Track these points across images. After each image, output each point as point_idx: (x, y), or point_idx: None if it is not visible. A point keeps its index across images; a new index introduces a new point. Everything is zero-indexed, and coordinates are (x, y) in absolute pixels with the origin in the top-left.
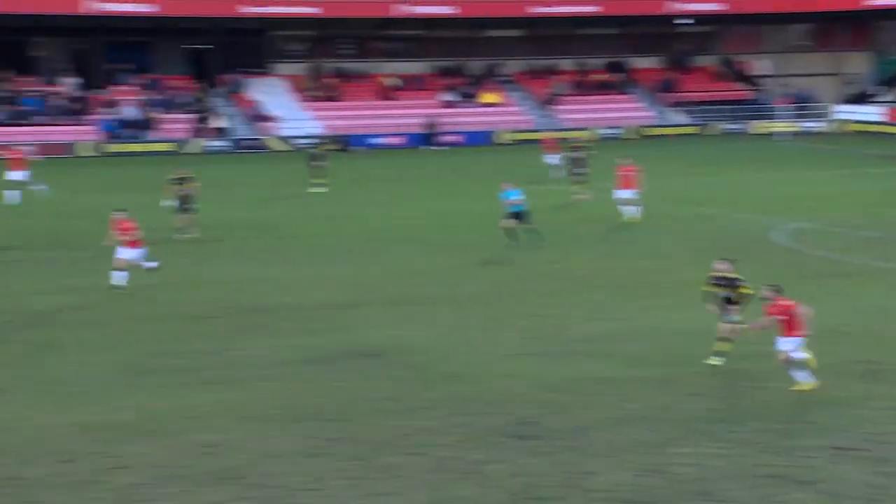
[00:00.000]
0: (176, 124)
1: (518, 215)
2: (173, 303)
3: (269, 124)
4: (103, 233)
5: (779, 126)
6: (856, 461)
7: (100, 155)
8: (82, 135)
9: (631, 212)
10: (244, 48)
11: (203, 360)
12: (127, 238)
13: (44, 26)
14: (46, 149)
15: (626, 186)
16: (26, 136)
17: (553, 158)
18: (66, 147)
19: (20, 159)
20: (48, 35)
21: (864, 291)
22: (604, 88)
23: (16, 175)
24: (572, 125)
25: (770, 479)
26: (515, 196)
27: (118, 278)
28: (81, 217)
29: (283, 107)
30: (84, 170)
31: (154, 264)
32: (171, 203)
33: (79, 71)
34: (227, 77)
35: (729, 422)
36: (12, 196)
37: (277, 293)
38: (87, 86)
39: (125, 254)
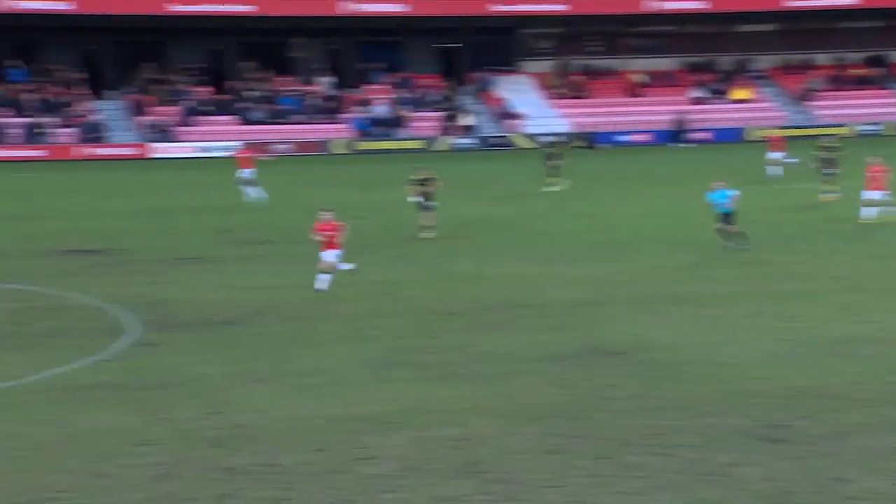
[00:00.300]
0: (425, 122)
1: (726, 217)
2: (416, 298)
3: (515, 122)
4: (353, 229)
5: None
6: None
7: (352, 152)
8: (336, 133)
9: (870, 214)
10: (493, 46)
11: (446, 356)
12: (327, 239)
13: (302, 27)
14: (302, 146)
15: (875, 187)
16: (283, 134)
17: (777, 156)
18: (321, 145)
19: (248, 158)
20: (306, 36)
21: None
22: (862, 83)
23: (246, 173)
24: (828, 121)
25: None
26: (723, 197)
27: (319, 282)
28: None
29: (529, 104)
30: (336, 167)
31: (351, 266)
32: (417, 199)
33: (333, 70)
34: (476, 75)
35: None
36: (254, 194)
37: (519, 290)
38: (341, 85)
39: (326, 256)
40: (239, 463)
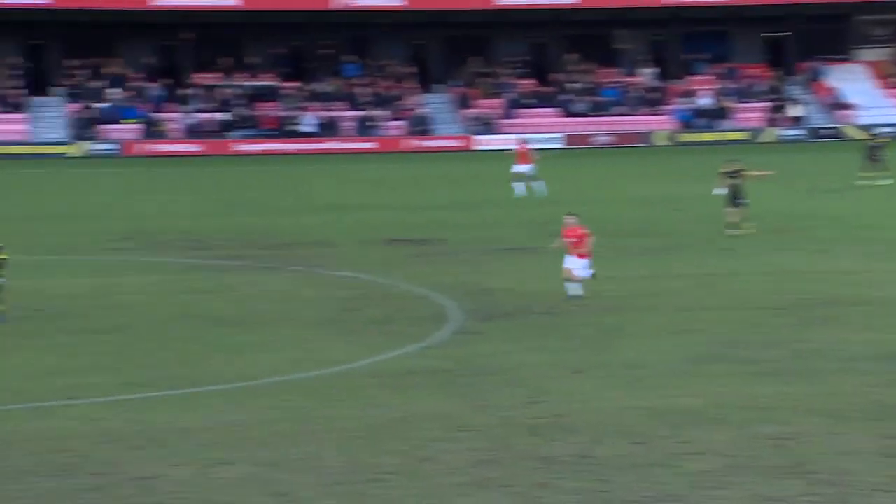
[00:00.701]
0: (750, 113)
1: None
2: (740, 292)
3: (847, 112)
4: (674, 222)
5: None
6: None
7: (673, 144)
8: (657, 124)
9: None
10: (823, 34)
11: (771, 352)
12: (574, 246)
13: (626, 18)
14: (623, 138)
15: None
16: (605, 125)
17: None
18: (642, 136)
19: (525, 152)
20: (630, 27)
21: None
22: None
23: (521, 168)
24: None
25: None
26: None
27: (572, 289)
28: (653, 205)
29: (863, 94)
30: (657, 157)
31: (589, 273)
32: (722, 191)
33: (656, 61)
34: (805, 64)
35: None
36: (520, 189)
37: (848, 286)
38: (664, 76)
39: (570, 263)
40: (557, 452)
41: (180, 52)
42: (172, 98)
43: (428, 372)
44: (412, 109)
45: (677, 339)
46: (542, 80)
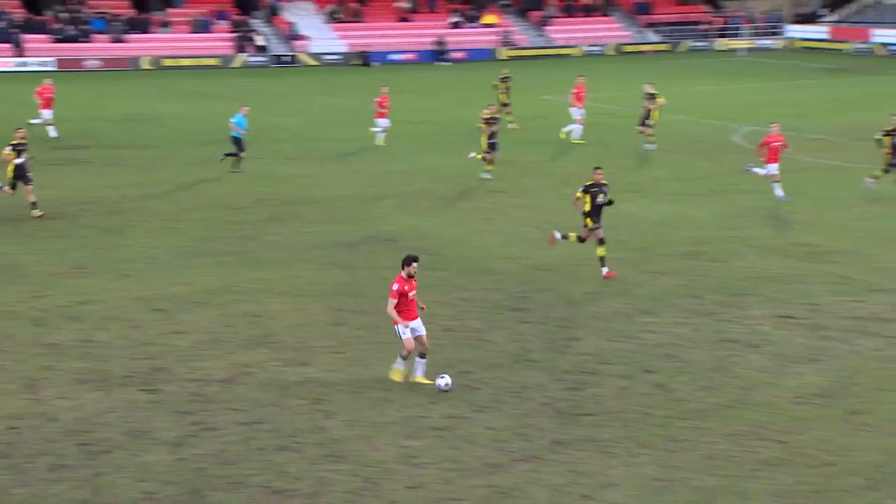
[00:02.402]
0: (221, 42)
1: (235, 140)
2: (218, 195)
3: (301, 42)
4: (157, 137)
5: (738, 43)
6: (798, 327)
7: (157, 68)
8: (144, 51)
9: (573, 128)
10: None
11: (245, 244)
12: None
13: None
14: (110, 62)
15: (577, 103)
16: (92, 51)
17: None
18: (131, 61)
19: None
20: None
21: (809, 184)
22: (588, 11)
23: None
24: (562, 42)
25: (726, 343)
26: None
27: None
28: (139, 122)
29: (313, 27)
30: (143, 80)
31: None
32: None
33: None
34: (265, 0)
35: (692, 296)
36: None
37: (305, 188)
38: (145, 8)
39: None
40: (62, 339)
41: None
42: None
43: None
44: None
45: (167, 236)
46: (34, 9)
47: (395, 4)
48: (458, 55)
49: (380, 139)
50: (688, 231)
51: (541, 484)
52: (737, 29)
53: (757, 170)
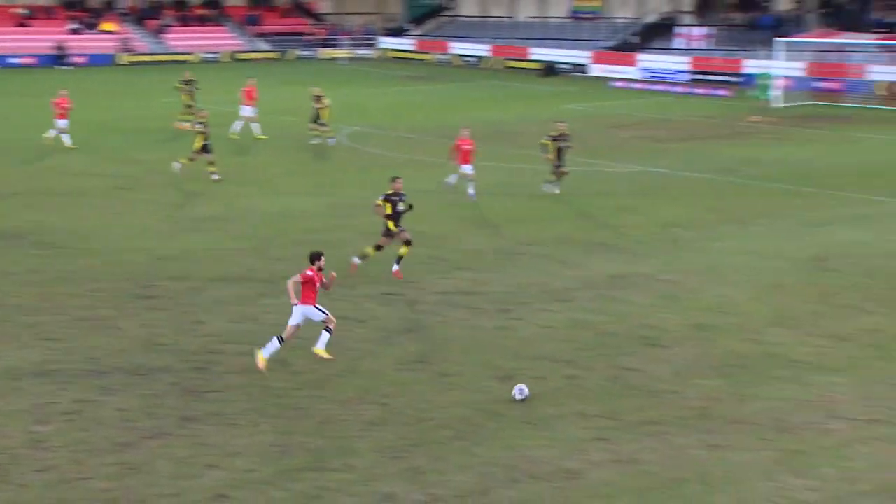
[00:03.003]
0: None
1: None
2: None
3: None
4: None
5: (339, 53)
6: (398, 303)
7: None
8: None
9: (238, 128)
10: None
11: None
12: None
13: None
14: None
15: (249, 103)
16: None
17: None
18: None
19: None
20: None
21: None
22: (203, 21)
23: None
24: (180, 49)
25: (337, 319)
26: None
27: None
28: None
29: None
30: None
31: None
32: None
33: None
34: None
35: None
36: None
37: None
38: None
39: None
40: None
41: None
42: None
43: None
44: None
45: None
46: None
47: (12, 11)
48: (80, 60)
49: (66, 141)
50: (302, 222)
51: (169, 458)
52: (337, 40)
53: (450, 179)
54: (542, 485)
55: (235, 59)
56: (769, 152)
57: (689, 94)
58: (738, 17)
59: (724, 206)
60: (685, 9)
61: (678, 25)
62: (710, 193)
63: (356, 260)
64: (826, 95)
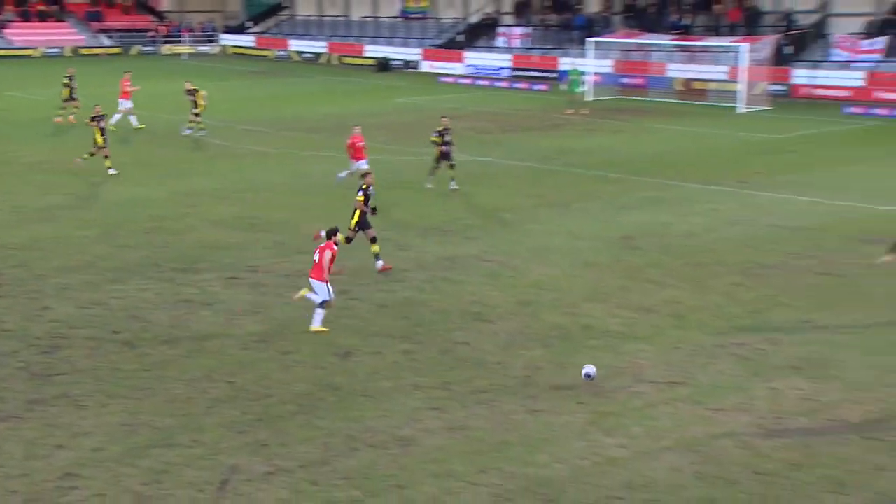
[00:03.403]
0: None
1: None
2: None
3: None
4: None
5: (182, 49)
6: (242, 286)
7: None
8: None
9: (117, 117)
10: None
11: None
12: None
13: None
14: None
15: (125, 97)
16: None
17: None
18: None
19: None
20: None
21: (245, 168)
22: (44, 17)
23: None
24: (22, 44)
25: (183, 303)
26: None
27: None
28: None
29: None
30: None
31: None
32: None
33: None
34: None
35: (153, 265)
36: None
37: None
38: None
39: None
40: None
41: None
42: None
43: None
44: None
45: None
46: None
47: None
48: None
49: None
50: (149, 209)
51: (17, 440)
52: (179, 37)
53: (343, 174)
54: (380, 452)
55: (78, 54)
56: (582, 142)
57: (511, 88)
58: (554, 18)
59: (544, 191)
60: (506, 10)
61: (500, 25)
62: (531, 180)
63: (380, 263)
64: (631, 90)
